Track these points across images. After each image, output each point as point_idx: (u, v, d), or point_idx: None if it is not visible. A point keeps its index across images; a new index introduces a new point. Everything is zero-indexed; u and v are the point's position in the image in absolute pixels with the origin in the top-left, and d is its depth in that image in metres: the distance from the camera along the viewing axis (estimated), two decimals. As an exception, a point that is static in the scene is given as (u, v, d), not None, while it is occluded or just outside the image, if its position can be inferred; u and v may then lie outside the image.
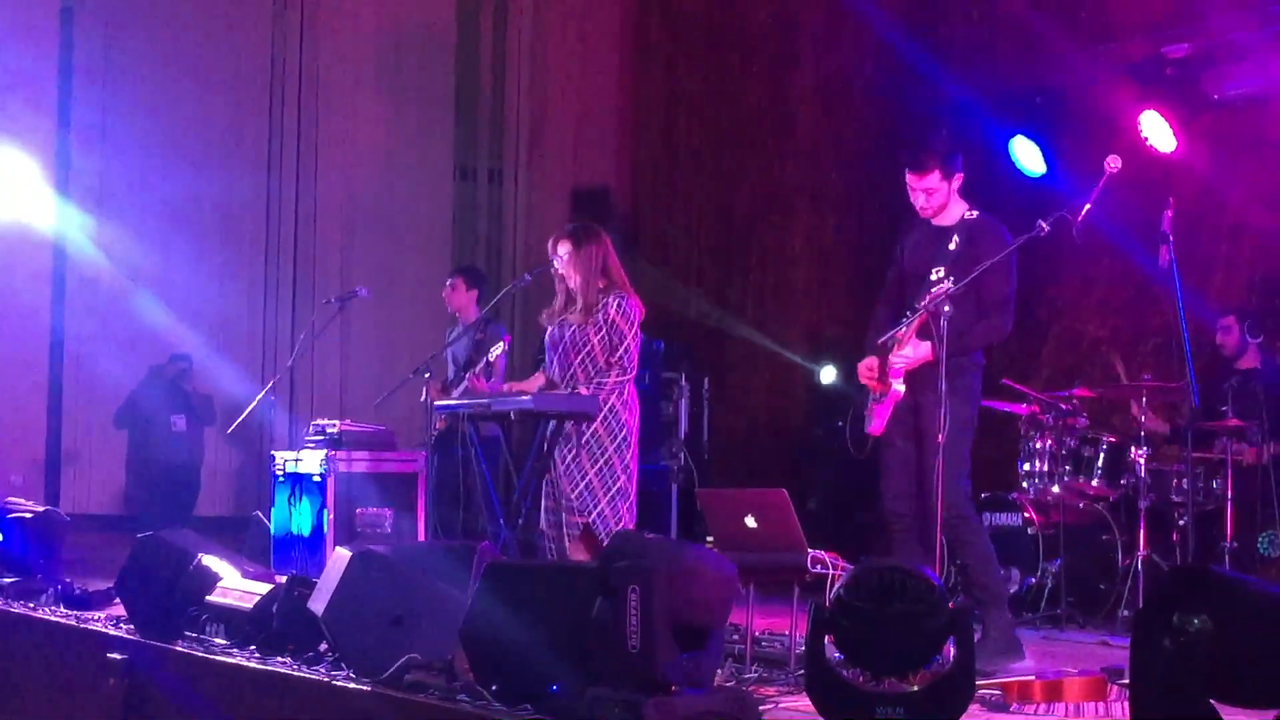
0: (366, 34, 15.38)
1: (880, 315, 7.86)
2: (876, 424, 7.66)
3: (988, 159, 11.95)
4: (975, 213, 7.70)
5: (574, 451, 7.96)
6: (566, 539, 7.96)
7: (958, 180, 7.70)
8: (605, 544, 7.56)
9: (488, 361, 9.49)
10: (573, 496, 7.93)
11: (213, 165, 14.62)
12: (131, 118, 14.36)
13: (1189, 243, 9.73)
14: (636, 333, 8.02)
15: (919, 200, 7.70)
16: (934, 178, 7.62)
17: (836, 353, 13.23)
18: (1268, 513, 9.70)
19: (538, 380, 8.43)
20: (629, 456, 8.04)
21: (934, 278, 7.48)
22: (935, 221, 7.72)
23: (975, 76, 12.46)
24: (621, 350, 7.98)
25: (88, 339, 14.19)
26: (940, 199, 7.67)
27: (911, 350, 7.46)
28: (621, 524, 7.93)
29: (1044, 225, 7.26)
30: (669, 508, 12.09)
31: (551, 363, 8.24)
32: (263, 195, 14.89)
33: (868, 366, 7.68)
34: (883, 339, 7.61)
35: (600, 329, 7.98)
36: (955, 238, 7.60)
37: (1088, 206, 7.21)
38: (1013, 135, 11.33)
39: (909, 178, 7.69)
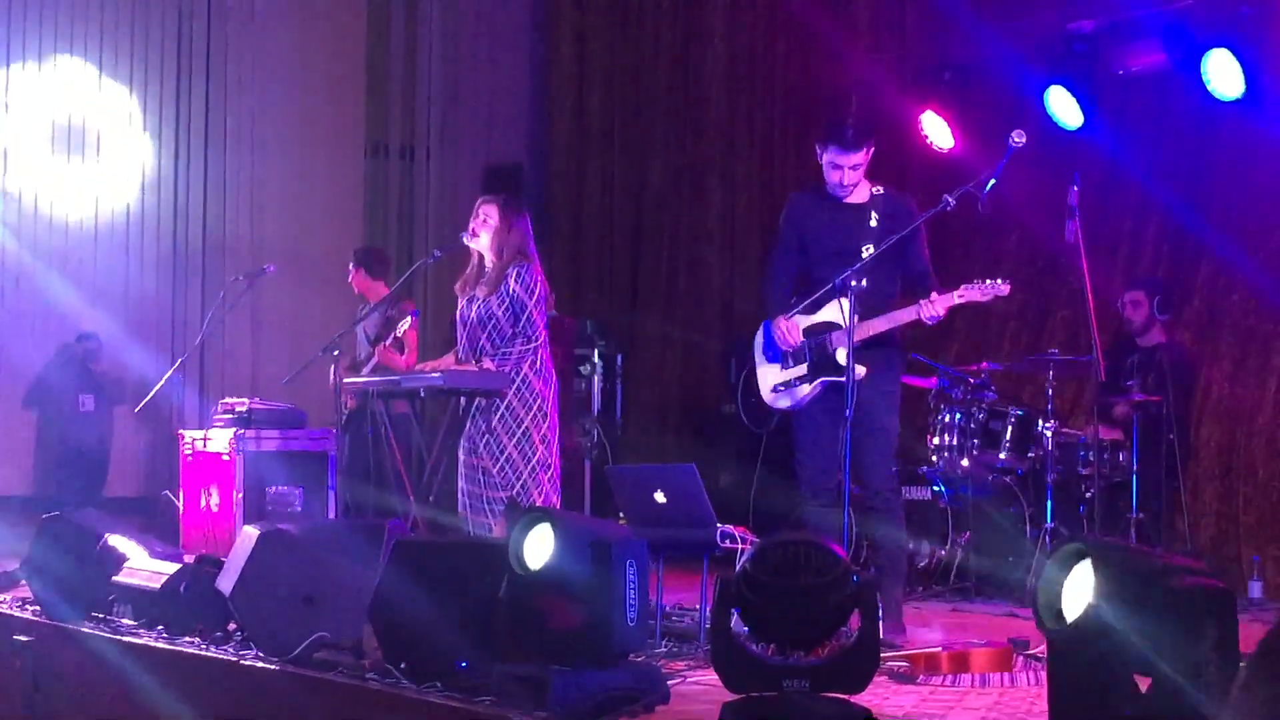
0: (276, 9, 15.24)
1: (776, 295, 7.74)
2: (798, 400, 7.63)
3: (896, 134, 12.01)
4: (880, 188, 7.71)
5: (491, 427, 7.92)
6: (490, 515, 7.89)
7: (870, 153, 7.67)
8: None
9: (395, 337, 9.46)
10: (495, 472, 7.89)
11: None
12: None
13: (1095, 217, 9.82)
14: (538, 301, 7.98)
15: (842, 178, 7.60)
16: (862, 155, 7.57)
17: (746, 328, 13.27)
18: (1173, 484, 9.83)
19: (449, 360, 8.40)
20: (546, 428, 7.99)
21: (865, 253, 7.47)
22: (847, 199, 7.67)
23: (884, 53, 12.52)
24: (524, 319, 7.95)
25: (-6, 319, 14.04)
26: (859, 176, 7.64)
27: (945, 301, 7.42)
28: (544, 496, 7.90)
29: (950, 200, 7.32)
30: (582, 484, 12.10)
31: (461, 339, 8.21)
32: (171, 169, 14.74)
33: (788, 330, 7.60)
34: (811, 321, 7.58)
35: (504, 301, 7.97)
36: (873, 213, 7.59)
37: (993, 181, 7.26)
38: (921, 111, 11.37)
39: (836, 156, 7.57)
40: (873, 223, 7.57)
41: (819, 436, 7.63)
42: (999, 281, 7.34)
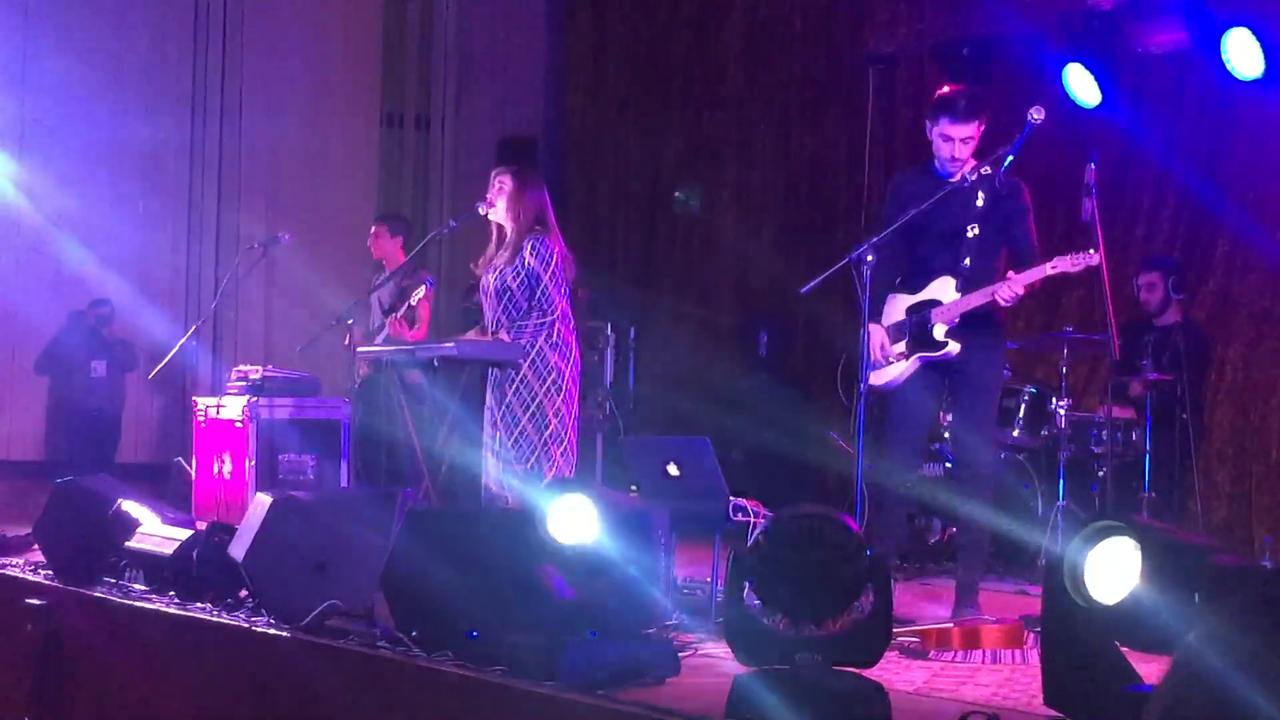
0: (293, -23, 15.24)
1: (879, 276, 7.42)
2: (890, 380, 7.53)
3: (913, 110, 12.00)
4: (988, 168, 7.45)
5: (507, 400, 7.91)
6: (507, 490, 7.88)
7: (982, 129, 7.48)
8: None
9: (409, 306, 9.45)
10: (510, 445, 7.88)
11: (135, 108, 14.45)
12: (52, 59, 14.18)
13: (1112, 195, 9.79)
14: (554, 274, 7.94)
15: (953, 150, 7.38)
16: (974, 127, 7.38)
17: (761, 302, 13.27)
18: (1185, 464, 9.81)
19: (473, 335, 8.39)
20: (560, 401, 7.95)
21: (970, 234, 7.39)
22: (954, 178, 7.44)
23: (901, 27, 12.48)
24: (539, 292, 7.92)
25: (7, 284, 14.03)
26: (970, 151, 7.42)
27: (1028, 278, 7.25)
28: (556, 469, 7.89)
29: (968, 176, 7.29)
30: (594, 456, 12.11)
31: (486, 312, 8.19)
32: (186, 139, 14.75)
33: (879, 345, 7.46)
34: (914, 300, 7.49)
35: (519, 273, 7.93)
36: (980, 193, 7.42)
37: (1010, 158, 7.23)
38: (938, 86, 11.31)
39: (947, 127, 7.35)
40: (979, 202, 7.41)
41: (908, 414, 7.51)
42: (1091, 251, 7.21)
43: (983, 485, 7.48)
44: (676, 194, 13.81)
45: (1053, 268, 7.17)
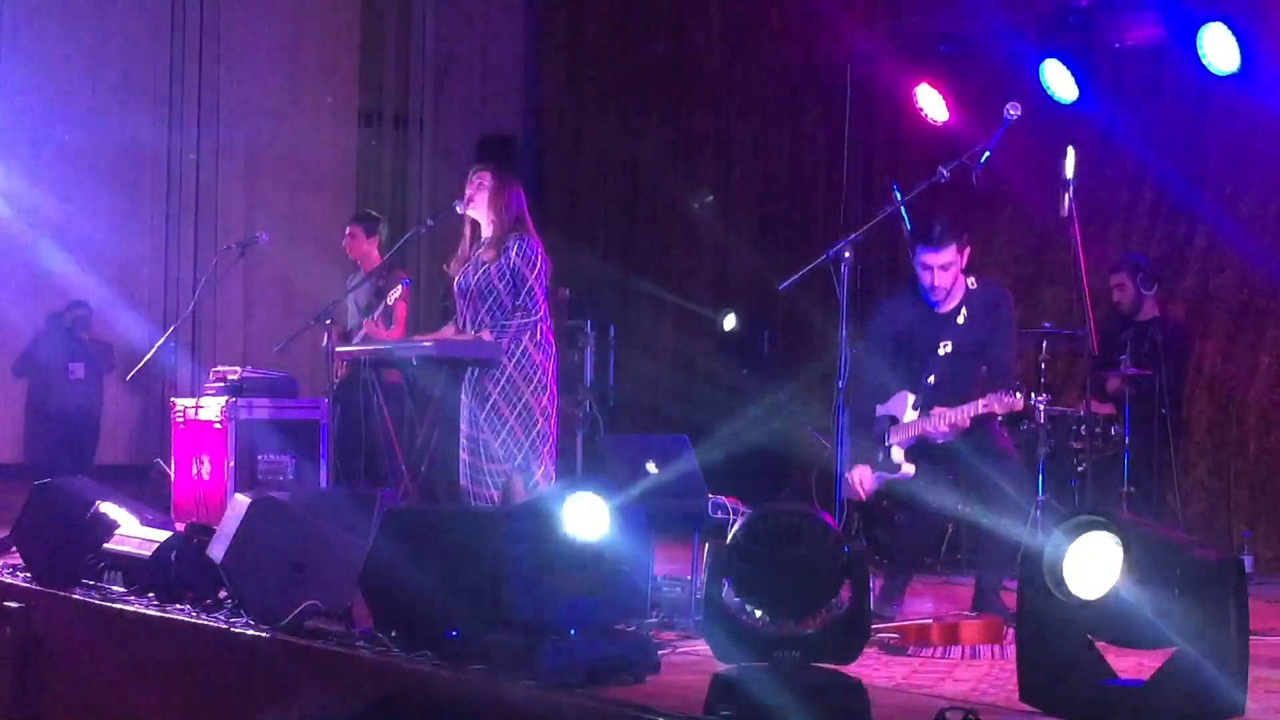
0: (270, -24, 15.21)
1: (868, 401, 7.52)
2: (862, 488, 7.49)
3: (891, 107, 12.01)
4: (974, 281, 7.53)
5: (491, 400, 7.87)
6: (489, 488, 7.86)
7: (966, 256, 7.49)
8: (529, 491, 7.56)
9: (386, 305, 9.43)
10: (496, 445, 7.83)
11: (112, 109, 14.41)
12: (28, 62, 14.13)
13: (1089, 191, 9.80)
14: (539, 274, 7.91)
15: (932, 279, 7.38)
16: (951, 252, 7.37)
17: (740, 300, 13.27)
18: (1164, 458, 9.83)
19: (449, 332, 8.35)
20: (546, 400, 7.92)
21: (941, 352, 7.42)
22: (941, 308, 7.50)
23: (879, 24, 12.48)
24: (524, 292, 7.89)
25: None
26: (953, 277, 7.41)
27: (955, 417, 7.25)
28: (543, 469, 7.86)
29: (944, 172, 7.28)
30: (574, 454, 12.10)
31: (462, 312, 8.14)
32: (163, 139, 14.71)
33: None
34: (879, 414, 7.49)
35: (504, 273, 7.90)
36: (963, 311, 7.46)
37: (987, 153, 7.24)
38: (916, 84, 11.34)
39: (924, 255, 7.37)
40: (960, 319, 7.45)
41: (915, 520, 7.55)
42: (1016, 395, 7.11)
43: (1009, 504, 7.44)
44: (700, 199, 13.73)
45: (984, 406, 7.15)
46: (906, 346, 7.55)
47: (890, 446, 7.43)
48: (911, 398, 7.42)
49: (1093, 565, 4.54)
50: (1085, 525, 4.62)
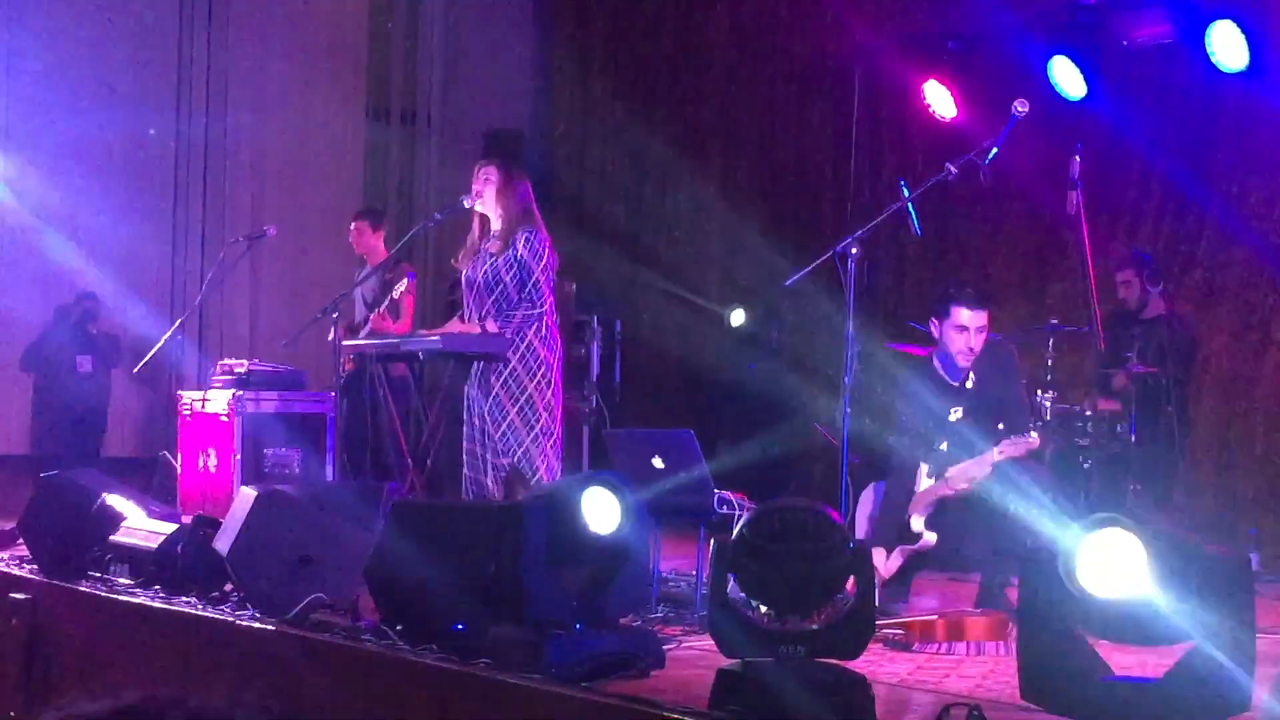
0: (278, -30, 15.20)
1: (900, 477, 7.51)
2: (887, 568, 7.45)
3: (899, 104, 12.00)
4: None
5: (494, 392, 7.88)
6: (492, 483, 7.87)
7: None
8: (531, 485, 7.57)
9: (392, 299, 9.44)
10: (496, 438, 7.84)
11: (120, 103, 14.39)
12: (36, 54, 14.12)
13: (1097, 188, 9.79)
14: (545, 268, 7.92)
15: (970, 341, 7.38)
16: (986, 315, 7.39)
17: (747, 296, 13.27)
18: (1170, 456, 9.82)
19: (454, 325, 8.35)
20: (550, 395, 7.93)
21: (953, 418, 7.40)
22: (949, 377, 7.50)
23: (887, 21, 12.48)
24: (530, 285, 7.90)
25: (-7, 279, 14.01)
26: (983, 342, 7.41)
27: (974, 470, 7.20)
28: (545, 463, 7.87)
29: (952, 169, 7.29)
30: (580, 449, 12.10)
31: (469, 305, 8.15)
32: (171, 132, 14.70)
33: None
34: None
35: (511, 266, 7.91)
36: (971, 376, 7.46)
37: (995, 150, 7.23)
38: (924, 80, 11.34)
39: (963, 314, 7.36)
40: (969, 384, 7.46)
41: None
42: (1032, 435, 7.09)
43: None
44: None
45: (1001, 453, 7.09)
46: (921, 414, 7.52)
47: (910, 518, 7.39)
48: (925, 467, 7.38)
49: (1112, 563, 4.54)
50: (1104, 522, 4.61)
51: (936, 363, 7.56)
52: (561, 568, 5.62)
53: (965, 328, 7.37)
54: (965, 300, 7.37)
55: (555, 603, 5.58)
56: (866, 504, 7.73)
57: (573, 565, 5.66)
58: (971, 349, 7.40)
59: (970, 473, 7.19)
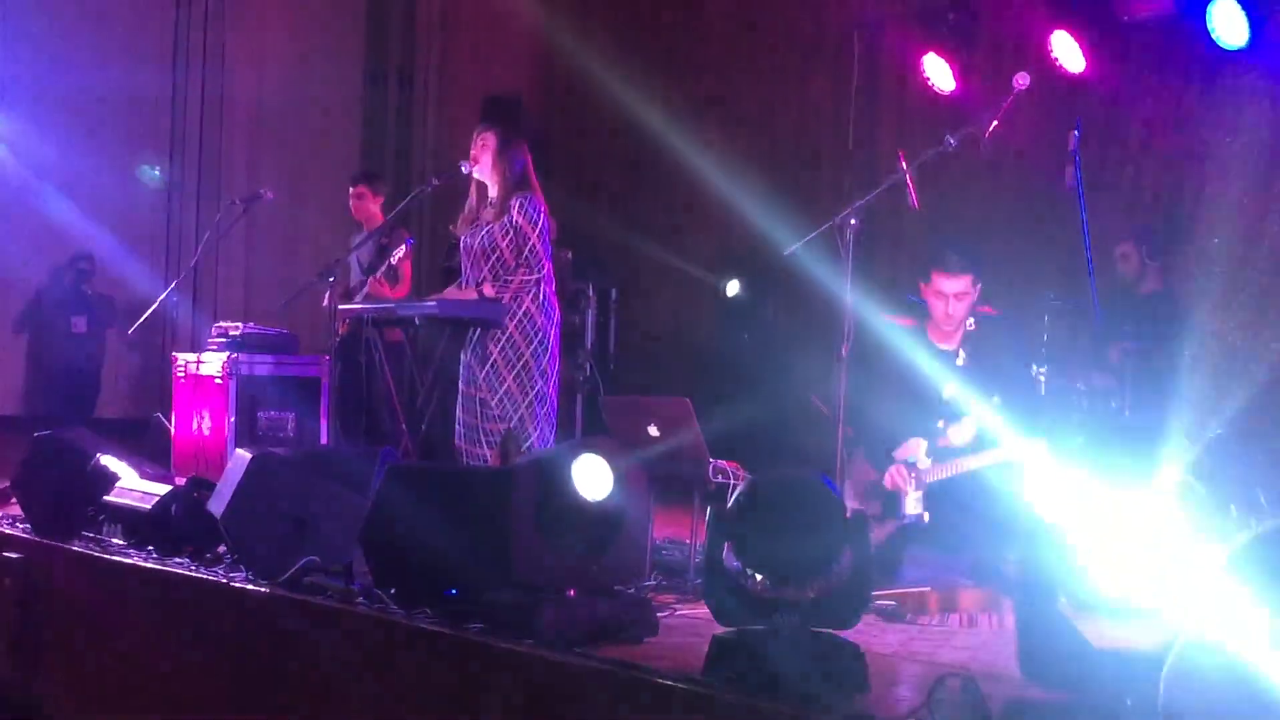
0: (276, -69, 15.15)
1: (878, 439, 7.43)
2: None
3: (899, 77, 11.98)
4: (973, 322, 7.48)
5: (491, 359, 7.88)
6: (486, 447, 7.87)
7: (979, 290, 7.44)
8: (525, 451, 7.57)
9: (390, 265, 9.42)
10: (493, 404, 7.85)
11: (117, 62, 14.35)
12: (34, 13, 14.08)
13: (1095, 162, 9.78)
14: (541, 232, 7.91)
15: (947, 307, 7.34)
16: (967, 281, 7.34)
17: (744, 266, 13.25)
18: (1165, 431, 9.81)
19: (451, 291, 8.35)
20: (546, 361, 7.94)
21: (946, 395, 7.33)
22: (942, 344, 7.46)
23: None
24: (527, 251, 7.89)
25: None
26: (967, 309, 7.37)
27: (974, 463, 7.16)
28: (540, 430, 7.87)
29: (952, 141, 7.27)
30: (575, 417, 12.11)
31: (466, 271, 8.14)
32: (168, 93, 14.67)
33: (898, 472, 7.30)
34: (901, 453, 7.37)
35: (507, 231, 7.90)
36: (961, 352, 7.41)
37: (995, 123, 7.22)
38: (924, 53, 11.32)
39: (939, 280, 7.33)
40: (960, 360, 7.39)
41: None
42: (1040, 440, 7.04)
43: None
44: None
45: (1003, 455, 7.05)
46: (910, 389, 7.44)
47: (905, 495, 7.32)
48: (924, 444, 7.32)
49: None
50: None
51: (929, 331, 7.54)
52: (552, 533, 5.62)
53: (944, 295, 7.35)
54: (943, 265, 7.34)
55: (545, 568, 5.58)
56: (854, 473, 7.69)
57: (563, 531, 5.65)
58: (950, 315, 7.36)
59: (969, 465, 7.18)
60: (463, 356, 8.02)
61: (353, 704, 5.87)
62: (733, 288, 13.29)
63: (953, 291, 7.32)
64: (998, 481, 7.12)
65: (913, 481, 7.27)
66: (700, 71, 14.20)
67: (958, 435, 7.22)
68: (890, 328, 7.73)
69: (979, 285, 7.42)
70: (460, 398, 8.04)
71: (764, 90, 13.68)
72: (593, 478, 5.67)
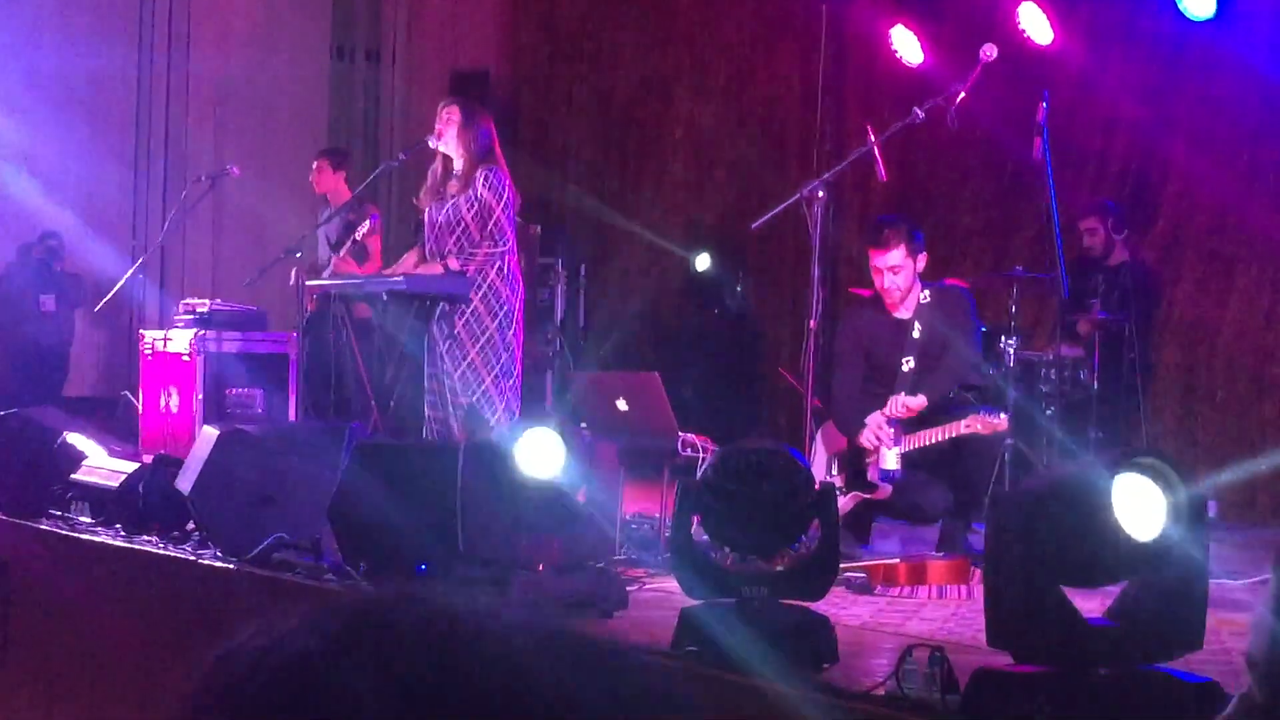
0: (242, -93, 15.07)
1: (849, 416, 7.49)
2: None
3: (867, 47, 11.97)
4: (929, 293, 7.50)
5: (455, 332, 7.87)
6: (455, 422, 7.87)
7: (922, 261, 7.47)
8: (491, 425, 7.57)
9: (355, 240, 9.40)
10: (456, 377, 7.84)
11: (82, 38, 14.29)
12: (-3, -11, 14.01)
13: (1063, 135, 9.78)
14: (506, 204, 7.90)
15: (885, 281, 7.39)
16: (899, 253, 7.35)
17: (713, 240, 13.25)
18: (1132, 403, 9.85)
19: (410, 260, 8.34)
20: (511, 334, 7.93)
21: (905, 369, 7.37)
22: (897, 313, 7.49)
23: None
24: (491, 224, 7.88)
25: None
26: (907, 279, 7.39)
27: (934, 436, 7.17)
28: (505, 403, 7.87)
29: (919, 113, 7.29)
30: (544, 392, 12.10)
31: (429, 243, 8.14)
32: (133, 70, 14.60)
33: (877, 427, 7.32)
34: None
35: (472, 204, 7.89)
36: (916, 324, 7.42)
37: (962, 94, 7.23)
38: (891, 24, 11.31)
39: (872, 255, 7.40)
40: (915, 334, 7.42)
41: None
42: (1002, 415, 7.10)
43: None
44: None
45: (966, 427, 7.05)
46: (873, 359, 7.53)
47: (867, 466, 7.37)
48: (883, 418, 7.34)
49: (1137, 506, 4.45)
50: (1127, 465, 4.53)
51: (885, 300, 7.57)
52: (501, 510, 5.63)
53: (879, 269, 7.41)
54: (873, 241, 7.44)
55: (494, 545, 5.59)
56: (821, 444, 7.70)
57: (512, 508, 5.66)
58: (889, 289, 7.41)
59: (931, 438, 7.20)
60: (429, 329, 8.00)
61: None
62: (702, 262, 13.27)
63: (886, 266, 7.38)
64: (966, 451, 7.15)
65: (891, 438, 7.28)
66: (667, 44, 14.17)
67: (915, 405, 7.25)
68: (852, 298, 7.76)
69: (918, 256, 7.45)
70: (428, 367, 8.04)
71: (731, 64, 13.66)
72: (542, 456, 5.67)
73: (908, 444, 7.25)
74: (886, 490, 7.28)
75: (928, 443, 7.19)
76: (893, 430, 7.27)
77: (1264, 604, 2.72)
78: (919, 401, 7.26)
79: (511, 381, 7.95)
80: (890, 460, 7.24)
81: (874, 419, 7.31)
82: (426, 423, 8.03)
